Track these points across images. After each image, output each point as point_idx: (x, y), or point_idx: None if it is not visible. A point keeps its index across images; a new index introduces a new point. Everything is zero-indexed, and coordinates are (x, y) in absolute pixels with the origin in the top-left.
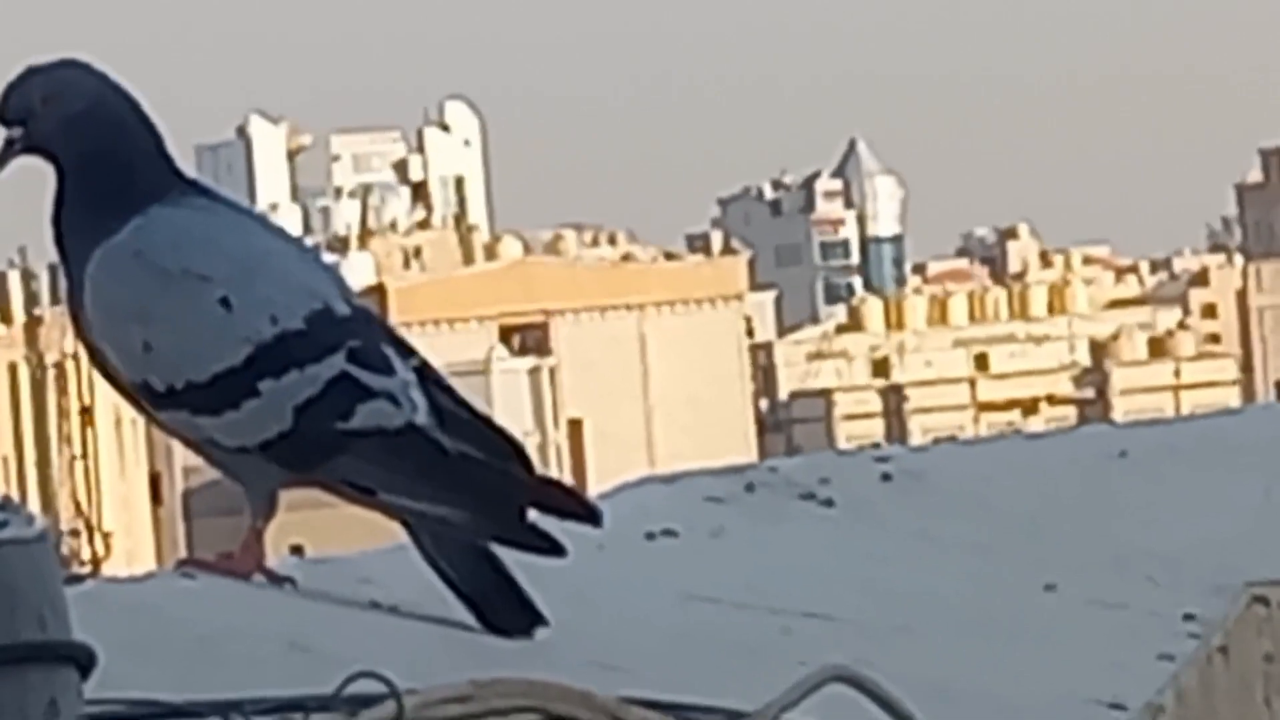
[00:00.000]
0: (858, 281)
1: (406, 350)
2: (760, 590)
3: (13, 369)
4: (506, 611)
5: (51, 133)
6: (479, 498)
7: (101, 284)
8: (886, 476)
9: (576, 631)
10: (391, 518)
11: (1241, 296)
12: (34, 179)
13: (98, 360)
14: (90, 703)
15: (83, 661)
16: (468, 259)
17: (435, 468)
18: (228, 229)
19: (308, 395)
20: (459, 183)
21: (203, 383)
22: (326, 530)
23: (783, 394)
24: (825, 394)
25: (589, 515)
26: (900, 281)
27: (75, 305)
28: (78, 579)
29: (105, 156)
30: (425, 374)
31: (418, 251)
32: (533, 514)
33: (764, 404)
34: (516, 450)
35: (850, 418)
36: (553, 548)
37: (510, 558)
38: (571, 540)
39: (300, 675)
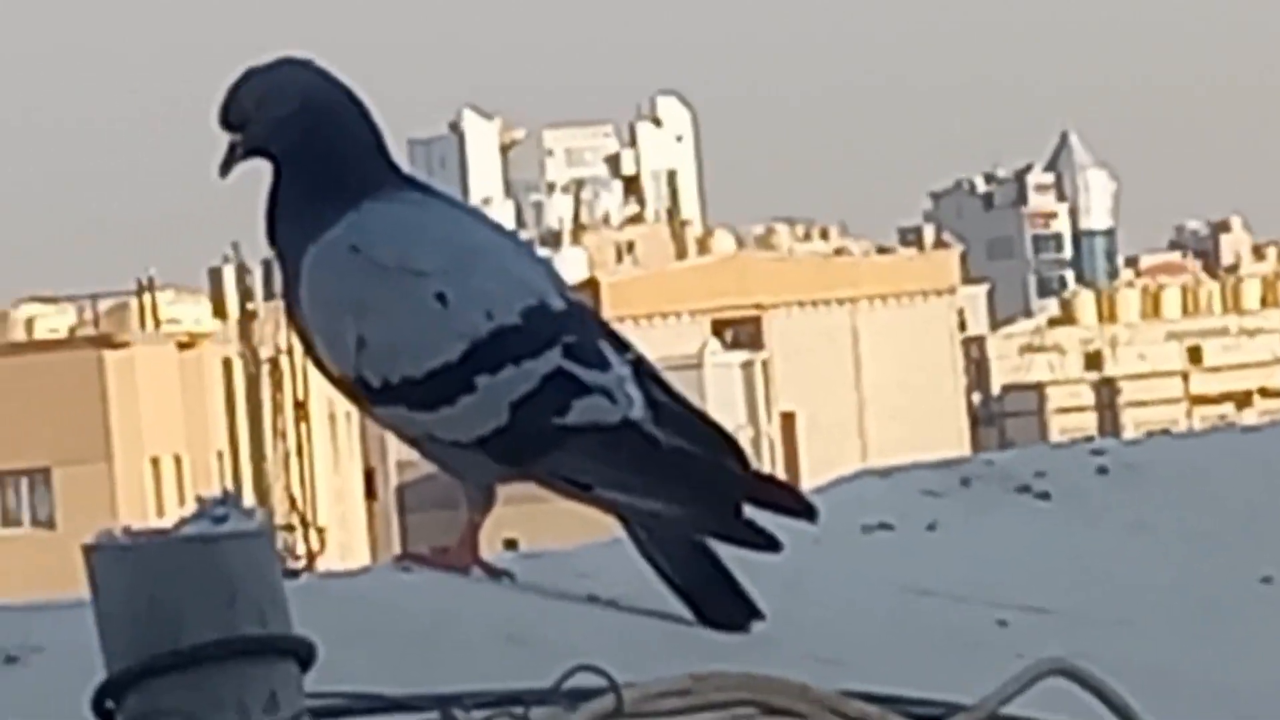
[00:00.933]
0: (1070, 275)
1: (622, 345)
2: (977, 583)
3: (227, 364)
4: (723, 605)
5: (267, 135)
6: (695, 493)
7: (317, 279)
8: (1102, 469)
9: (793, 625)
10: (607, 512)
11: None
12: (247, 174)
13: (313, 354)
14: (310, 696)
15: (303, 655)
16: (680, 253)
17: (651, 463)
18: (443, 223)
19: (524, 391)
20: (671, 177)
21: (418, 378)
22: (541, 524)
23: (995, 388)
24: (1037, 387)
25: (804, 510)
26: (1113, 275)
27: (290, 300)
28: (293, 574)
29: (319, 153)
30: (640, 368)
31: (630, 246)
32: (748, 509)
33: (976, 397)
34: (731, 445)
35: (1063, 411)
36: (768, 543)
37: (726, 551)
38: (787, 533)
39: (519, 669)
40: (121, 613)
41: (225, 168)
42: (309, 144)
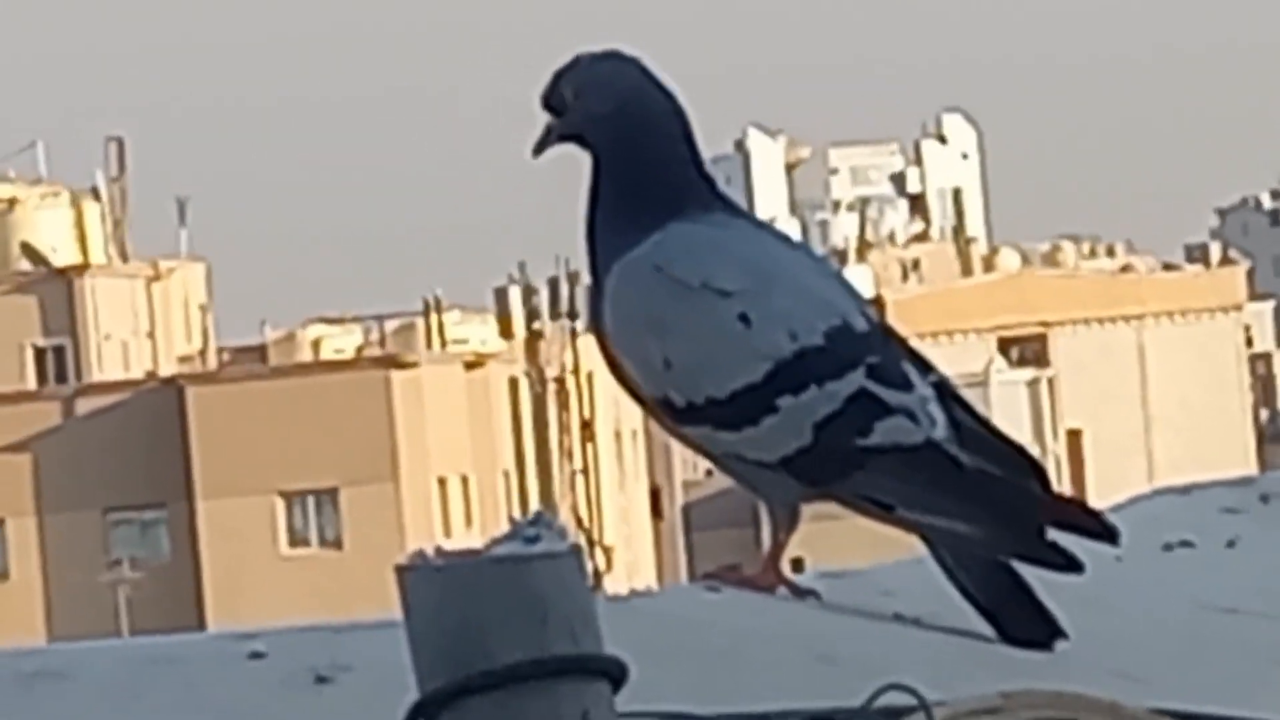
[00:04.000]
0: None
1: (925, 366)
2: (1279, 600)
3: (513, 384)
4: (1026, 624)
5: (582, 124)
6: (998, 514)
7: (621, 298)
8: None
9: (1096, 642)
10: (910, 532)
11: None
12: (536, 197)
13: (617, 372)
14: (622, 715)
15: (614, 674)
16: (966, 271)
17: (954, 484)
18: (746, 243)
19: (827, 412)
20: (957, 195)
21: (722, 399)
22: (825, 543)
23: None
24: None
25: (1105, 533)
26: None
27: (596, 315)
28: None
29: (634, 158)
30: (943, 389)
31: (916, 264)
32: (1050, 530)
33: (1264, 414)
34: (1034, 467)
35: None
36: (1070, 564)
37: (1027, 569)
38: (1088, 550)
39: (828, 687)
40: (434, 632)
41: (539, 148)
42: (625, 146)
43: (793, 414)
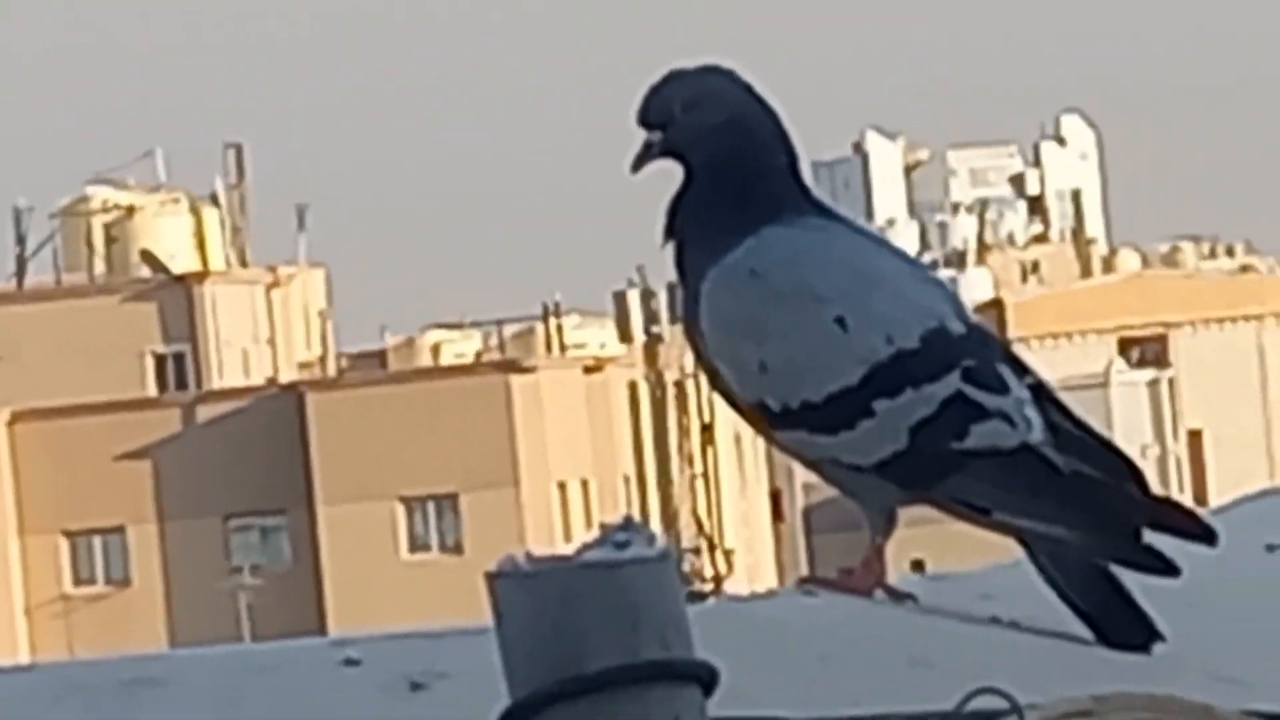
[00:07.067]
0: None
1: (1022, 368)
2: None
3: (633, 388)
4: (1124, 627)
5: (688, 140)
6: (1094, 518)
7: (716, 303)
8: None
9: (1194, 644)
10: (1006, 536)
11: None
12: (652, 197)
13: (713, 376)
14: None
15: (705, 679)
16: (1085, 272)
17: (1050, 487)
18: (842, 247)
19: (923, 415)
20: (1076, 196)
21: (818, 403)
22: (947, 545)
23: None
24: None
25: (1203, 535)
26: None
27: (690, 320)
28: (700, 596)
29: (735, 169)
30: (1040, 392)
31: (1035, 266)
32: (1148, 533)
33: None
34: (1131, 469)
35: None
36: (1167, 568)
37: (1125, 572)
38: (1191, 552)
39: (921, 691)
40: (525, 639)
41: (638, 164)
42: (728, 158)
43: (888, 418)
